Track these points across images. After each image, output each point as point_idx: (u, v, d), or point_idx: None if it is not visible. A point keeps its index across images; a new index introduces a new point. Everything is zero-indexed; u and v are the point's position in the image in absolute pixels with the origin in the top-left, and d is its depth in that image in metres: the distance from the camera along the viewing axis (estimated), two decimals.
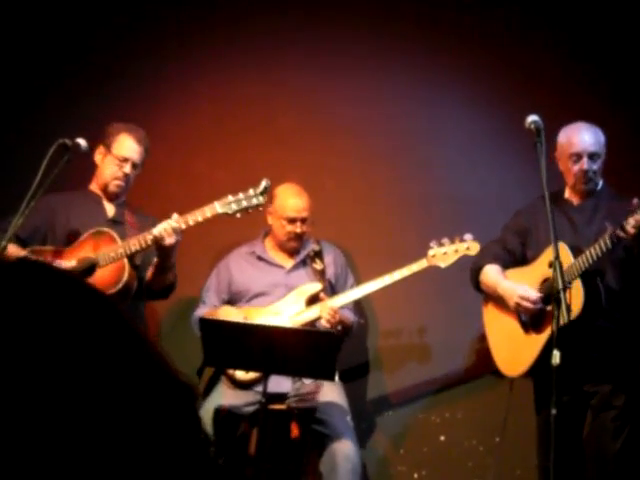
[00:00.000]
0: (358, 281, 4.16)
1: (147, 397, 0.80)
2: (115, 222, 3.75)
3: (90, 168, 3.82)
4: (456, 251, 3.89)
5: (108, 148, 3.71)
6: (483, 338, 4.43)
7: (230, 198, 3.52)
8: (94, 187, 3.82)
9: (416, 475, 4.37)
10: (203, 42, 4.71)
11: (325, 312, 3.86)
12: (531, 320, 3.60)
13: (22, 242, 3.62)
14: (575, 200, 3.71)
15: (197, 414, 0.88)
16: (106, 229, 3.63)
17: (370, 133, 4.66)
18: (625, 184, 3.79)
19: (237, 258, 4.18)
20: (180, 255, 3.71)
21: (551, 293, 3.39)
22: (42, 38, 4.66)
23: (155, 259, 3.65)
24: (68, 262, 3.57)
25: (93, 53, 4.67)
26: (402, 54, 4.68)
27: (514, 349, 3.65)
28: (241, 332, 3.47)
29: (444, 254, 3.89)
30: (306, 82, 4.71)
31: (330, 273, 4.14)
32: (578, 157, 3.61)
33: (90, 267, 3.54)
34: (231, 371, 3.87)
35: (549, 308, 3.43)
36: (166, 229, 3.47)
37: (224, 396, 3.85)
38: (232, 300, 4.10)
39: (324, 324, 3.86)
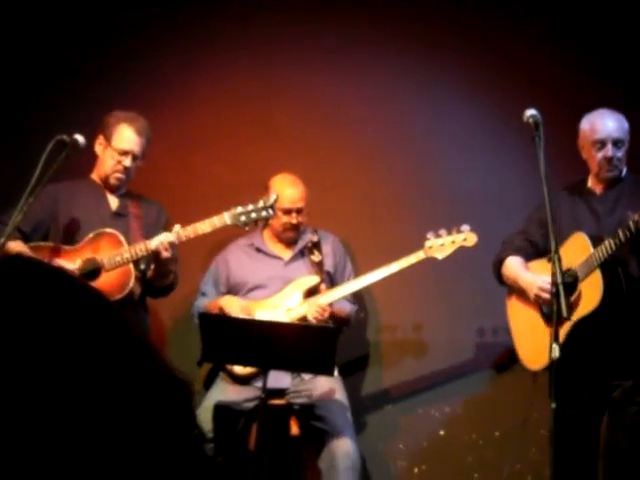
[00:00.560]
0: (356, 274, 4.15)
1: (142, 393, 0.80)
2: (119, 215, 3.73)
3: (88, 164, 3.81)
4: (453, 242, 3.86)
5: (108, 140, 3.67)
6: (482, 332, 4.44)
7: (239, 209, 3.52)
8: (95, 177, 3.78)
9: (416, 470, 4.38)
10: (202, 38, 4.71)
11: (312, 310, 3.84)
12: (552, 312, 3.54)
13: (25, 236, 3.60)
14: (598, 189, 3.64)
15: (192, 410, 0.88)
16: (112, 231, 3.60)
17: (369, 128, 4.65)
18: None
19: (235, 250, 4.18)
20: (178, 249, 3.71)
21: (571, 283, 3.37)
22: (41, 34, 4.64)
23: (153, 265, 3.65)
24: (72, 262, 3.55)
25: (92, 49, 4.66)
26: (401, 50, 4.67)
27: (536, 342, 3.54)
28: (240, 327, 3.48)
29: (441, 245, 3.86)
30: (305, 78, 4.70)
31: (329, 263, 4.13)
32: (602, 144, 3.53)
33: (95, 270, 3.53)
34: (229, 366, 3.87)
35: (570, 299, 3.38)
36: (163, 243, 3.47)
37: (223, 392, 3.85)
38: (230, 293, 4.10)
39: (313, 322, 3.83)
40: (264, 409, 3.50)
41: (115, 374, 0.79)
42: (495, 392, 4.41)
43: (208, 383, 3.98)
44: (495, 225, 4.11)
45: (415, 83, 4.71)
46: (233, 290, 4.09)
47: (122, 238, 3.56)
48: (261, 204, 3.53)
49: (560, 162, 4.13)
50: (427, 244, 3.86)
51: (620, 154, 3.55)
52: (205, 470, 0.86)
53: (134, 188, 3.87)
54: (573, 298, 3.40)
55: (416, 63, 4.70)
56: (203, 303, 4.05)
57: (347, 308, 4.08)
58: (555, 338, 2.94)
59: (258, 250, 4.15)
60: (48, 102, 4.54)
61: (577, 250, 3.44)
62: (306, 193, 4.06)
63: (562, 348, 3.35)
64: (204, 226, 3.52)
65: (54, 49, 4.65)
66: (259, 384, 3.53)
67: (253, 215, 3.52)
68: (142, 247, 3.50)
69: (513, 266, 3.69)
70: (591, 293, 3.36)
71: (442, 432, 4.40)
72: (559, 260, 2.99)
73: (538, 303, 3.57)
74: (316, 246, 4.13)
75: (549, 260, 3.05)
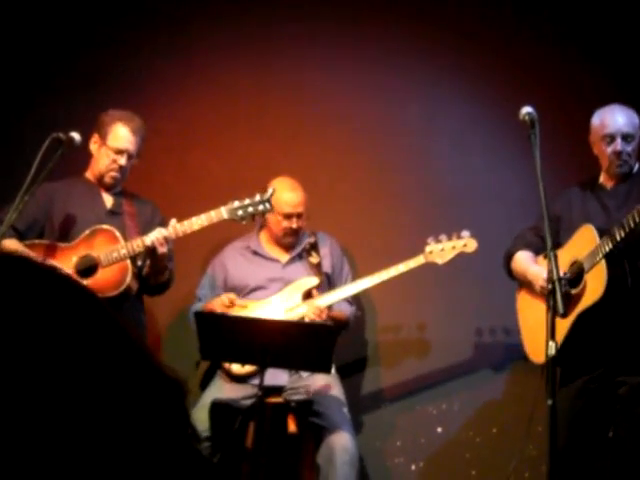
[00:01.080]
0: (354, 277, 4.15)
1: (134, 392, 0.80)
2: (114, 213, 3.73)
3: (84, 162, 3.80)
4: (453, 248, 3.88)
5: (103, 138, 3.67)
6: (480, 332, 4.44)
7: (236, 204, 3.52)
8: (90, 175, 3.78)
9: (413, 467, 4.38)
10: (198, 37, 4.70)
11: (310, 311, 3.85)
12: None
13: (20, 234, 3.60)
14: (609, 184, 3.63)
15: (185, 409, 0.88)
16: (108, 227, 3.59)
17: (365, 127, 4.64)
18: None
19: (232, 253, 4.17)
20: (176, 250, 3.71)
21: (577, 274, 3.36)
22: (37, 32, 4.64)
23: (149, 261, 3.64)
24: (68, 259, 3.55)
25: (87, 47, 4.66)
26: (397, 47, 4.66)
27: (543, 335, 3.55)
28: (236, 325, 3.47)
29: (441, 251, 3.88)
30: (301, 75, 4.70)
31: (327, 265, 4.13)
32: (612, 138, 3.52)
33: (91, 267, 3.52)
34: (227, 365, 3.87)
35: (574, 291, 3.38)
36: (158, 238, 3.47)
37: (220, 390, 3.85)
38: None
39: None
40: (261, 407, 3.50)
41: (107, 373, 0.78)
42: (492, 390, 4.41)
43: (205, 382, 3.98)
44: (495, 225, 4.12)
45: (413, 82, 4.70)
46: (232, 292, 4.08)
47: (118, 234, 3.56)
48: (258, 198, 3.53)
49: (559, 159, 4.14)
50: (427, 249, 3.88)
51: (630, 149, 3.54)
52: (199, 469, 0.85)
53: (131, 186, 3.87)
54: (578, 290, 3.40)
55: (413, 62, 4.69)
56: (199, 307, 4.03)
57: (346, 311, 4.08)
58: (552, 336, 2.94)
59: (255, 253, 4.14)
60: (43, 99, 4.54)
61: (584, 242, 3.43)
62: (305, 197, 4.05)
63: (566, 339, 3.35)
64: (201, 220, 3.52)
65: (49, 47, 4.65)
66: (256, 382, 3.52)
67: (250, 209, 3.52)
68: (139, 243, 3.50)
69: (522, 260, 3.70)
70: (595, 284, 3.34)
71: (440, 429, 4.40)
72: (555, 257, 2.99)
73: (544, 295, 3.56)
74: (314, 247, 4.13)
75: (545, 257, 3.05)
